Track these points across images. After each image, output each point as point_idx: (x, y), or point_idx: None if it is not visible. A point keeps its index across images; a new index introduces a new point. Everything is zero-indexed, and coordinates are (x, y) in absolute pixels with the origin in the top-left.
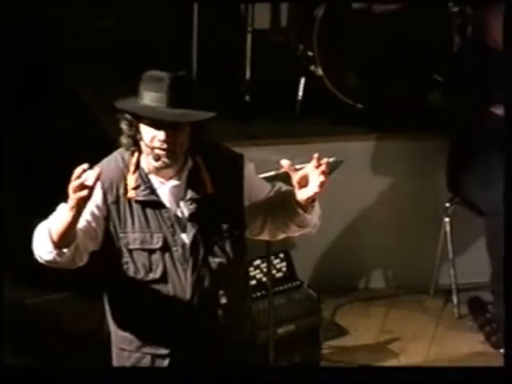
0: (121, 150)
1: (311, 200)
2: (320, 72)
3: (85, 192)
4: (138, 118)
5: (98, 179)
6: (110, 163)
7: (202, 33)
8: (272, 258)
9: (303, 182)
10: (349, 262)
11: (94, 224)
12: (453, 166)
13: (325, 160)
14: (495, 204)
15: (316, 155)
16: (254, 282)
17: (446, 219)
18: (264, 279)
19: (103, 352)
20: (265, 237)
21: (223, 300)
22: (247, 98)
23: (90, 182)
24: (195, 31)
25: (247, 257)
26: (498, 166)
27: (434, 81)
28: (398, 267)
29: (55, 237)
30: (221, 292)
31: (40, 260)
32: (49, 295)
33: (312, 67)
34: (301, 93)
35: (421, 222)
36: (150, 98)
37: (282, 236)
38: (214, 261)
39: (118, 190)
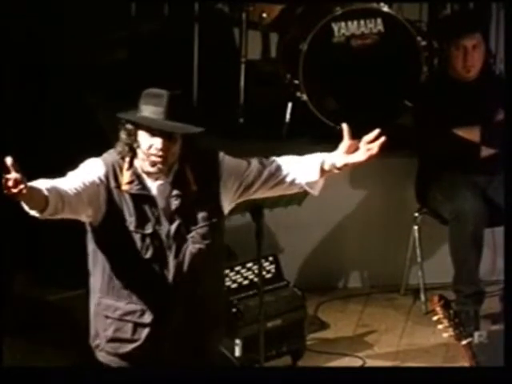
0: (113, 150)
1: (343, 167)
2: (305, 98)
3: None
4: (138, 127)
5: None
6: (109, 156)
7: (202, 64)
8: (262, 260)
9: (351, 150)
10: (329, 265)
11: (89, 191)
12: (421, 180)
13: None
14: (457, 214)
15: (371, 136)
16: (246, 282)
17: (415, 227)
18: (255, 279)
19: None
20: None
21: (200, 279)
22: (241, 120)
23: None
24: (196, 63)
25: (223, 240)
26: (459, 181)
27: (404, 106)
28: (372, 269)
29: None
30: (198, 272)
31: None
32: (67, 293)
33: (298, 93)
34: (288, 116)
35: (393, 229)
36: (149, 111)
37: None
38: (194, 247)
39: (117, 178)
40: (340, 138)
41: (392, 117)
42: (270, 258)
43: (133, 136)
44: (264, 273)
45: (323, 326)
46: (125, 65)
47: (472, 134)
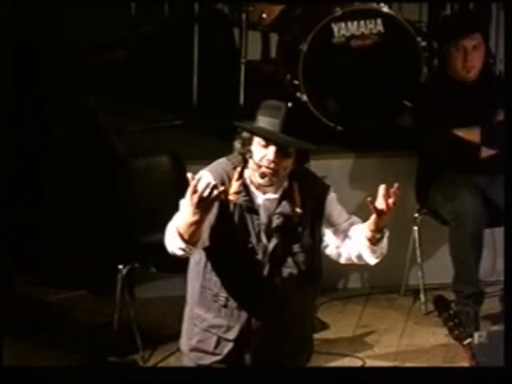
0: (223, 159)
1: (375, 228)
2: (305, 98)
3: (211, 194)
4: (252, 137)
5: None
6: (217, 166)
7: (202, 64)
8: None
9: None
10: (329, 266)
11: (211, 218)
12: (421, 181)
13: (392, 189)
14: (457, 214)
15: (383, 186)
16: None
17: (415, 228)
18: None
19: (113, 342)
20: (334, 256)
21: (288, 304)
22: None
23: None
24: (196, 63)
25: (319, 268)
26: (459, 181)
27: (403, 106)
28: (372, 270)
29: (186, 236)
30: (287, 296)
31: (173, 253)
32: (67, 293)
33: (298, 94)
34: None
35: (393, 229)
36: (265, 122)
37: (344, 261)
38: (286, 271)
39: (225, 188)
40: (339, 139)
41: (392, 117)
42: None
43: (247, 146)
44: None
45: (323, 327)
46: (125, 65)
47: (472, 135)
